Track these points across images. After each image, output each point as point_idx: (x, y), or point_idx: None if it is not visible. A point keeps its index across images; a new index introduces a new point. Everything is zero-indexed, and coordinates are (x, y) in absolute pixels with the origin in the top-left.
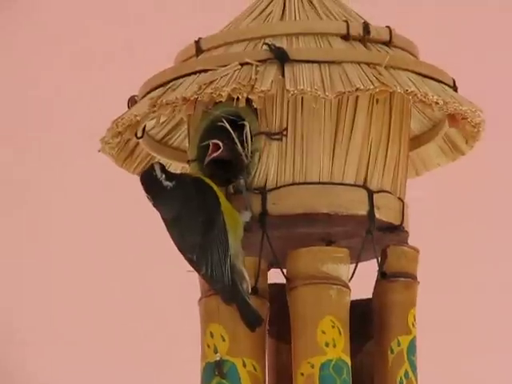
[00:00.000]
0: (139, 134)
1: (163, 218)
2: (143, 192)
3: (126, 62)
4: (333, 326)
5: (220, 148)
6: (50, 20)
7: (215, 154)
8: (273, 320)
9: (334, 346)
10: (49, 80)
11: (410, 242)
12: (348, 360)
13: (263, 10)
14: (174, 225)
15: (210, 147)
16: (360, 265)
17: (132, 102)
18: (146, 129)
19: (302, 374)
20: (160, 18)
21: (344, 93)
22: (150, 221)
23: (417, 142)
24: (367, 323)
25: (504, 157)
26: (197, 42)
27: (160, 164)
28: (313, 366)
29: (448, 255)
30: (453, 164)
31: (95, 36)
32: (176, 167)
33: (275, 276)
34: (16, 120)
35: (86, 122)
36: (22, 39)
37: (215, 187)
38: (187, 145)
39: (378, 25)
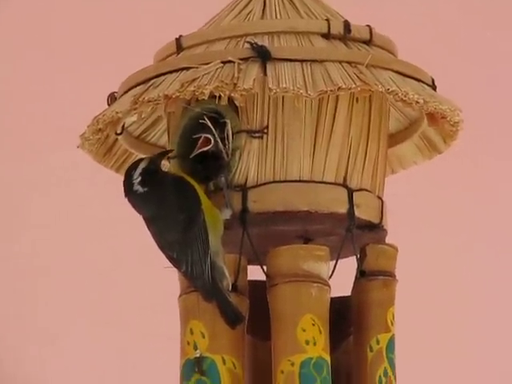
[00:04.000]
0: (119, 131)
1: (142, 216)
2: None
3: (106, 59)
4: (313, 324)
5: (211, 142)
6: (29, 15)
7: (205, 148)
8: (250, 317)
9: (315, 344)
10: (25, 75)
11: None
12: (328, 358)
13: (243, 7)
14: (153, 223)
15: (200, 140)
16: (339, 263)
17: (112, 98)
18: (125, 125)
19: (282, 372)
20: (140, 16)
21: (326, 92)
22: (136, 215)
23: (393, 140)
24: (343, 321)
25: (483, 154)
26: (177, 40)
27: (148, 162)
28: (293, 364)
29: (426, 253)
30: (430, 161)
31: (73, 32)
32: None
33: (252, 273)
34: None
35: (64, 118)
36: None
37: (196, 185)
38: (164, 141)
39: (356, 23)
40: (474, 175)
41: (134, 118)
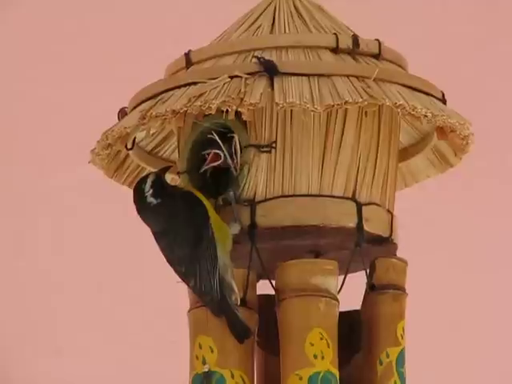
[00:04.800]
0: (129, 146)
1: (151, 231)
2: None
3: (117, 74)
4: (321, 338)
5: (220, 158)
6: (40, 30)
7: (214, 163)
8: (261, 331)
9: (323, 358)
10: (38, 91)
11: (399, 253)
12: (336, 372)
13: (253, 22)
14: (162, 237)
15: (210, 156)
16: (349, 277)
17: (122, 114)
18: (136, 140)
19: None
20: (151, 30)
21: (333, 106)
22: (142, 230)
23: (406, 154)
24: (355, 335)
25: (493, 169)
26: (187, 55)
27: (155, 175)
28: (301, 378)
29: (437, 267)
30: (442, 175)
31: (85, 47)
32: (166, 178)
33: (264, 287)
34: (4, 129)
35: (77, 133)
36: (8, 49)
37: (205, 200)
38: (177, 156)
39: (368, 37)
40: (485, 190)
41: (143, 132)
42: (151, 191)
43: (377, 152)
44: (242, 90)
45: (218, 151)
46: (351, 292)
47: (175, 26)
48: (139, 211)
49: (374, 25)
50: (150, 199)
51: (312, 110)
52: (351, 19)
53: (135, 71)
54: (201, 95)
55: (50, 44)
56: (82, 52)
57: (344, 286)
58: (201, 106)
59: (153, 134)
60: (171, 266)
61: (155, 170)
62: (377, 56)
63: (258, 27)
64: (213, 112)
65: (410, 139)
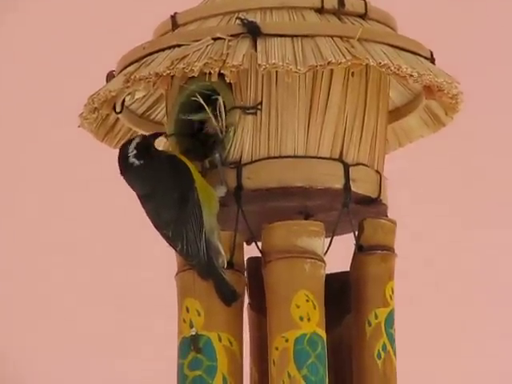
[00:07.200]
0: (118, 109)
1: (136, 194)
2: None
3: (106, 37)
4: (307, 300)
5: None
6: None
7: None
8: (254, 293)
9: (309, 319)
10: (27, 55)
11: (391, 215)
12: (323, 334)
13: None
14: (147, 201)
15: None
16: (339, 238)
17: (110, 77)
18: (127, 103)
19: (277, 349)
20: None
21: (316, 66)
22: (128, 196)
23: (398, 113)
24: (346, 296)
25: (485, 130)
26: (173, 17)
27: (142, 138)
28: (287, 340)
29: (429, 229)
30: (433, 135)
31: (74, 11)
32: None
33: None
34: None
35: (65, 97)
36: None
37: (189, 163)
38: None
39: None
40: (478, 149)
41: (135, 95)
42: (134, 152)
43: (364, 112)
44: (225, 52)
45: None
46: (341, 254)
47: None
48: (122, 172)
49: None
50: (132, 160)
51: (295, 72)
52: None
53: (125, 34)
54: (184, 57)
55: (44, 9)
56: (73, 16)
57: (334, 248)
58: (183, 68)
59: (144, 97)
60: (158, 230)
61: (147, 133)
62: (363, 16)
63: None
64: (195, 74)
65: (402, 99)
